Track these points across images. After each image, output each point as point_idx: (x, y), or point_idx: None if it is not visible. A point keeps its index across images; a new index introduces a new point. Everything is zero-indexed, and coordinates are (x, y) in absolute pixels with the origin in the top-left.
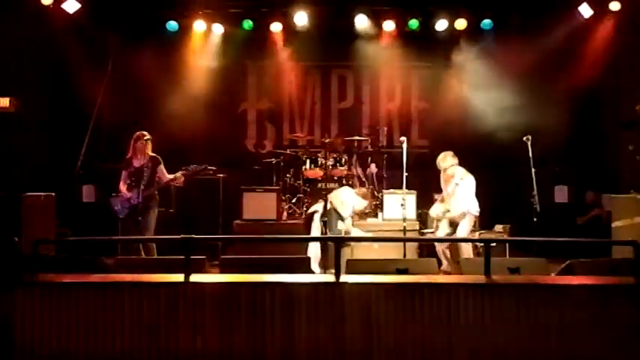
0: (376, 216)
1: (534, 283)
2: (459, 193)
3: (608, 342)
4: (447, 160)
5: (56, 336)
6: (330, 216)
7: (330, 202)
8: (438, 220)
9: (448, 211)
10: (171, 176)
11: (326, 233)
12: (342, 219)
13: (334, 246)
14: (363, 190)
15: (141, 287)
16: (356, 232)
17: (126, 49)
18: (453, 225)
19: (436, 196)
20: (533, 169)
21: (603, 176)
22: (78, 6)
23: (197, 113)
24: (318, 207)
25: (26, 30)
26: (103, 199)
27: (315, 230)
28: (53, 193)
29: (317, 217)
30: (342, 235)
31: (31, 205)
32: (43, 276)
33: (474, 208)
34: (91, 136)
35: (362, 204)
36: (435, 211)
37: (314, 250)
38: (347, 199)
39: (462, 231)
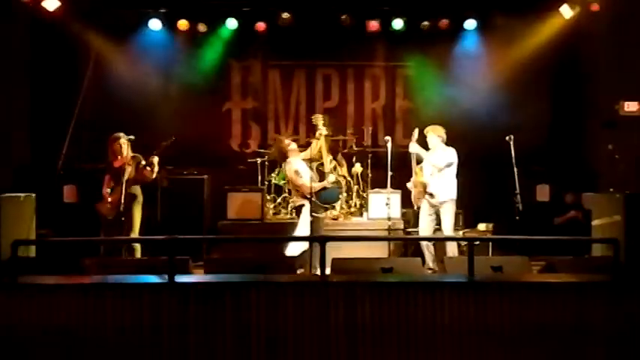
0: (361, 215)
1: (517, 281)
2: (448, 176)
3: (588, 338)
4: (439, 131)
5: (37, 338)
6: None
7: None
8: (418, 198)
9: (432, 195)
10: (147, 166)
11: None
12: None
13: (319, 246)
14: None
15: (124, 288)
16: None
17: (108, 48)
18: (436, 215)
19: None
20: (515, 169)
21: (583, 175)
22: (58, 4)
23: (180, 112)
24: (305, 202)
25: (5, 28)
26: (85, 200)
27: (304, 222)
28: (33, 194)
29: (305, 211)
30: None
31: (10, 206)
32: (24, 278)
33: (455, 193)
34: (72, 135)
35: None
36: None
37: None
38: (302, 170)
39: (447, 224)
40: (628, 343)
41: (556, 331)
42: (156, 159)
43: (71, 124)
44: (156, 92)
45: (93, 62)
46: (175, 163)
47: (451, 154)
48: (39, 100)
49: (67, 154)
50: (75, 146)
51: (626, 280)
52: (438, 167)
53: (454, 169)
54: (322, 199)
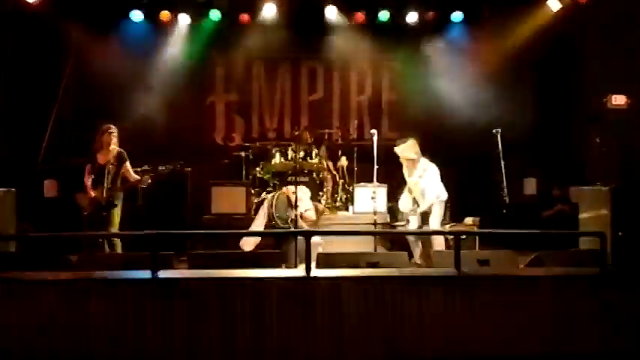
0: (347, 209)
1: (503, 274)
2: (424, 185)
3: (575, 330)
4: (409, 152)
5: (18, 335)
6: (280, 203)
7: (287, 189)
8: (408, 214)
9: (417, 206)
10: (137, 177)
11: (274, 220)
12: (294, 206)
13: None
14: (321, 206)
15: (107, 284)
16: None
17: (89, 39)
18: (424, 217)
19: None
20: (502, 162)
21: (571, 169)
22: None
23: (163, 105)
24: (268, 196)
25: None
26: (66, 195)
27: (260, 217)
28: (14, 189)
29: (265, 205)
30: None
31: None
32: (4, 274)
33: (442, 195)
34: (52, 129)
35: (310, 215)
36: (404, 205)
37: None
38: (305, 199)
39: (434, 220)
40: (615, 334)
41: (543, 324)
42: (148, 180)
43: (51, 118)
44: (138, 85)
45: (74, 54)
46: (157, 156)
47: (435, 175)
48: (17, 94)
49: (47, 148)
50: (55, 140)
51: (612, 273)
52: (431, 201)
53: (437, 176)
54: (277, 213)
